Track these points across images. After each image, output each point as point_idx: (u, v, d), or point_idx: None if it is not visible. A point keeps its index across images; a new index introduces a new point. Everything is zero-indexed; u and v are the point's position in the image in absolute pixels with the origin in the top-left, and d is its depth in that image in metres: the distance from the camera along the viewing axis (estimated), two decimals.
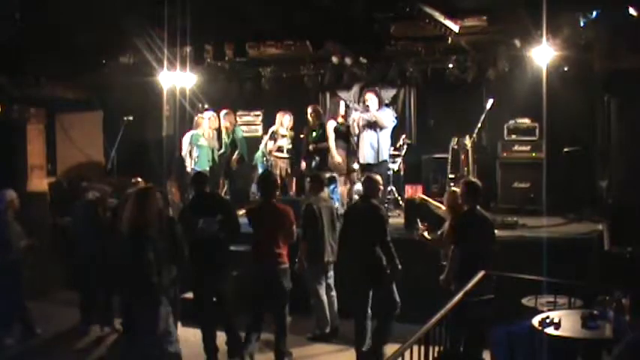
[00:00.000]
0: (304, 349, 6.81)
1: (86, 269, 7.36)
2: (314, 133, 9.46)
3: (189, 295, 6.89)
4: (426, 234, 6.39)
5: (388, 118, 8.66)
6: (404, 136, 9.69)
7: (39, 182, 10.97)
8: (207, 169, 9.73)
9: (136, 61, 10.01)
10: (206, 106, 10.77)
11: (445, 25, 7.95)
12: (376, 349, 6.17)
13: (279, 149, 9.85)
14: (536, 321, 4.62)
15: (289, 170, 9.95)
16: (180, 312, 6.56)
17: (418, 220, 6.46)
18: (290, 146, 9.87)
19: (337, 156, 9.00)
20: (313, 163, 9.37)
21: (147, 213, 5.16)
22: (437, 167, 9.47)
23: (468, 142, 8.39)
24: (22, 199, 7.38)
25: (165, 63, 9.11)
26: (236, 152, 10.34)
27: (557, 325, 4.50)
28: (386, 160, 8.69)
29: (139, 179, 7.60)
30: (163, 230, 5.28)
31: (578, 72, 8.79)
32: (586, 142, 8.86)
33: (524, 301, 5.69)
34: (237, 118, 11.13)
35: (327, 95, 11.13)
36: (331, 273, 7.07)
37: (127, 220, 5.18)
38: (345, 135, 8.99)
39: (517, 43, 8.91)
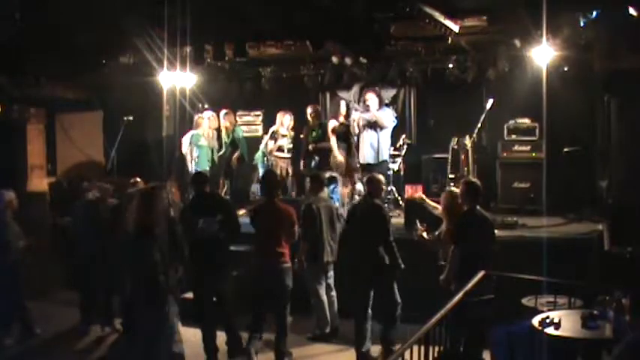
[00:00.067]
0: (304, 349, 6.81)
1: (86, 269, 7.36)
2: (313, 133, 9.46)
3: (189, 295, 6.89)
4: (424, 235, 6.39)
5: (388, 118, 8.67)
6: (404, 136, 9.69)
7: (39, 182, 10.98)
8: (207, 169, 9.73)
9: (136, 61, 10.01)
10: (206, 106, 10.77)
11: (445, 25, 7.95)
12: (387, 354, 6.15)
13: (280, 149, 9.85)
14: (536, 321, 4.62)
15: (289, 170, 9.95)
16: (180, 312, 6.55)
17: (417, 221, 6.46)
18: (290, 146, 9.87)
19: (339, 155, 9.00)
20: (313, 163, 9.37)
21: (153, 213, 5.19)
22: (437, 167, 9.46)
23: (468, 142, 8.39)
24: (22, 199, 7.38)
25: (165, 63, 9.12)
26: (237, 152, 10.34)
27: (557, 325, 4.50)
28: (386, 160, 8.70)
29: (138, 179, 7.60)
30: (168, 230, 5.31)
31: (578, 72, 8.80)
32: (586, 142, 8.86)
33: (524, 301, 5.70)
34: (237, 118, 11.12)
35: (327, 95, 11.13)
36: (331, 273, 7.07)
37: (134, 220, 5.20)
38: (345, 135, 8.98)
39: (517, 43, 8.91)
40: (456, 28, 8.14)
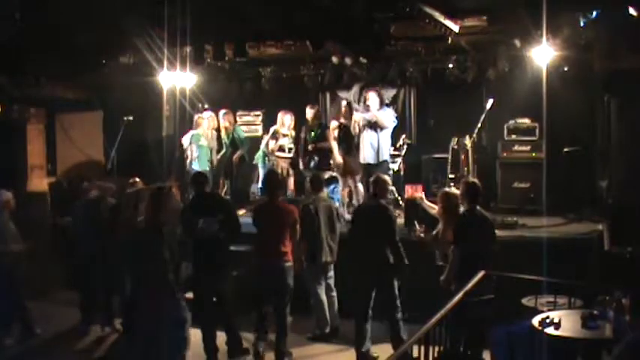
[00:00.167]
0: (304, 349, 6.81)
1: (86, 269, 7.36)
2: (312, 133, 9.46)
3: (189, 295, 6.89)
4: (422, 235, 6.40)
5: (389, 118, 8.65)
6: (404, 136, 9.69)
7: (39, 182, 10.98)
8: (207, 169, 9.74)
9: (136, 61, 10.01)
10: (206, 106, 10.78)
11: (445, 25, 7.95)
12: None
13: (281, 149, 9.85)
14: (536, 321, 4.62)
15: (290, 170, 9.95)
16: None
17: (416, 222, 6.47)
18: (291, 146, 9.87)
19: (338, 156, 9.00)
20: (312, 163, 9.37)
21: (163, 212, 5.23)
22: (437, 167, 9.47)
23: (468, 142, 8.39)
24: (22, 199, 7.39)
25: (165, 63, 9.12)
26: (238, 151, 10.34)
27: (557, 325, 4.50)
28: (386, 160, 8.68)
29: (137, 179, 7.60)
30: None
31: (578, 72, 8.80)
32: (586, 142, 8.86)
33: (524, 301, 5.70)
34: (238, 118, 11.13)
35: (327, 95, 11.14)
36: (331, 273, 7.07)
37: (144, 218, 5.24)
38: (345, 135, 8.97)
39: (517, 43, 8.91)
40: (456, 28, 8.14)
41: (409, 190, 9.50)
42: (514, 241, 7.13)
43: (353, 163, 8.82)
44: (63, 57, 9.18)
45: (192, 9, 7.46)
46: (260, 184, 10.01)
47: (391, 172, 9.11)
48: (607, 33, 7.56)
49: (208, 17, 7.94)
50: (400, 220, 8.10)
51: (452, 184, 8.45)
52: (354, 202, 9.01)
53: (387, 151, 8.67)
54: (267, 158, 10.11)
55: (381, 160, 8.52)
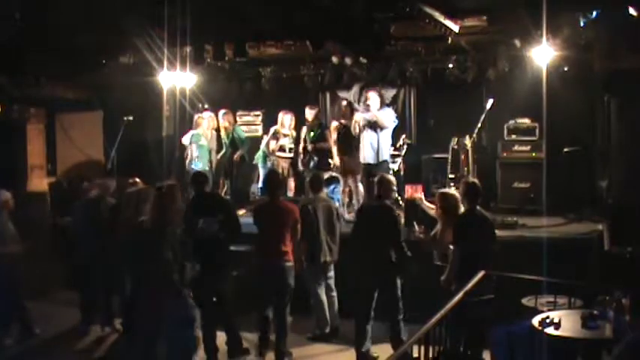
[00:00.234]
0: (304, 349, 6.81)
1: (86, 269, 7.36)
2: (312, 133, 9.46)
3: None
4: (422, 236, 6.41)
5: (389, 117, 8.64)
6: (404, 136, 9.69)
7: (39, 182, 10.98)
8: (207, 169, 9.74)
9: (136, 61, 10.01)
10: (206, 106, 10.78)
11: (445, 25, 7.95)
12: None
13: (282, 149, 9.86)
14: (536, 321, 4.62)
15: (291, 170, 9.95)
16: None
17: (414, 223, 6.47)
18: (292, 146, 9.88)
19: (337, 157, 9.02)
20: (312, 163, 9.38)
21: (168, 212, 5.24)
22: (437, 167, 9.47)
23: (468, 142, 8.39)
24: (22, 199, 7.38)
25: (165, 63, 9.12)
26: (239, 151, 10.34)
27: (557, 325, 4.50)
28: (386, 161, 8.67)
29: (137, 179, 7.60)
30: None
31: (578, 72, 8.80)
32: (586, 142, 8.86)
33: (524, 301, 5.69)
34: (238, 118, 11.14)
35: (327, 95, 11.14)
36: (331, 273, 7.06)
37: (149, 218, 5.25)
38: (345, 135, 8.97)
39: (517, 43, 8.92)
40: (456, 28, 8.14)
41: (409, 191, 9.50)
42: (514, 241, 7.12)
43: (352, 163, 8.82)
44: (63, 57, 9.18)
45: (192, 9, 7.47)
46: (260, 184, 10.02)
47: (391, 172, 9.09)
48: (607, 33, 7.56)
49: (208, 17, 7.95)
50: (400, 220, 8.13)
51: (452, 184, 8.46)
52: (354, 202, 9.01)
53: (387, 151, 8.67)
54: (267, 158, 10.12)
55: (381, 160, 8.51)
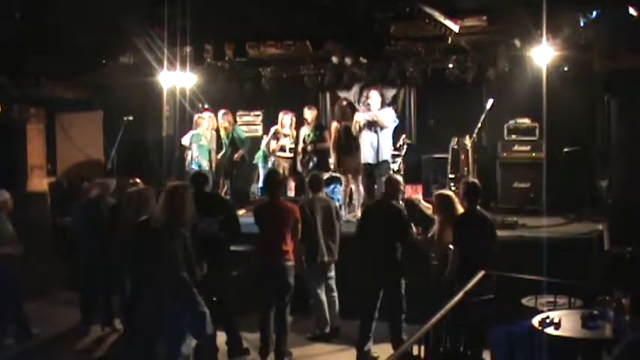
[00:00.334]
0: (304, 349, 6.81)
1: (86, 269, 7.36)
2: (311, 134, 9.47)
3: None
4: (420, 238, 6.42)
5: (389, 117, 8.64)
6: (404, 136, 9.69)
7: (39, 182, 10.97)
8: (207, 169, 9.74)
9: (136, 61, 10.01)
10: (206, 106, 10.78)
11: (445, 25, 7.95)
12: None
13: (282, 149, 9.87)
14: (536, 321, 4.62)
15: (291, 170, 9.96)
16: None
17: (412, 225, 6.47)
18: (292, 146, 9.88)
19: (333, 157, 9.04)
20: (311, 164, 9.38)
21: (179, 212, 5.25)
22: (437, 167, 9.46)
23: (468, 142, 8.39)
24: (22, 199, 7.37)
25: (165, 63, 9.11)
26: (239, 151, 10.34)
27: (557, 325, 4.50)
28: (387, 161, 8.66)
29: (137, 179, 7.60)
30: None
31: (578, 72, 8.80)
32: (586, 142, 8.86)
33: (524, 301, 5.69)
34: (238, 118, 11.15)
35: (327, 95, 11.14)
36: (332, 273, 7.05)
37: (160, 218, 5.26)
38: (345, 135, 8.96)
39: (517, 43, 8.91)
40: (456, 28, 8.14)
41: (409, 191, 9.51)
42: (514, 241, 7.12)
43: (353, 163, 8.82)
44: (63, 57, 9.18)
45: (192, 9, 7.46)
46: (260, 184, 10.02)
47: (391, 172, 9.10)
48: (607, 33, 7.55)
49: (208, 17, 7.94)
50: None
51: (452, 184, 8.46)
52: (354, 202, 9.01)
53: (387, 151, 8.66)
54: (267, 158, 10.12)
55: (381, 160, 8.51)
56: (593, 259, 6.72)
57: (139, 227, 5.63)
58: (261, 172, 10.13)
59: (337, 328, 7.02)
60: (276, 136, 9.91)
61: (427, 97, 10.51)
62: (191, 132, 10.07)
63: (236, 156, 10.32)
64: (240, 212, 8.57)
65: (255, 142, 10.63)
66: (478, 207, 5.92)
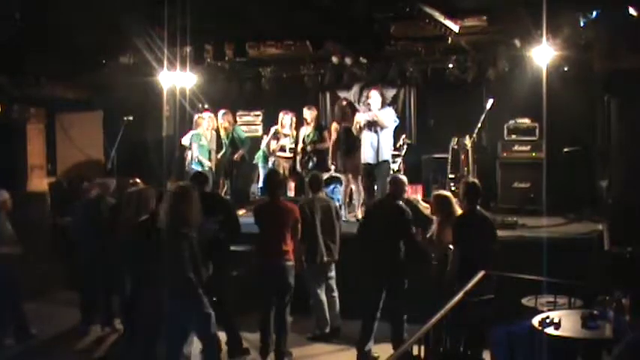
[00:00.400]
0: (304, 348, 6.81)
1: (86, 269, 7.36)
2: (311, 134, 9.47)
3: None
4: (419, 239, 6.42)
5: (389, 117, 8.63)
6: (404, 136, 9.69)
7: (39, 182, 10.98)
8: (207, 169, 9.75)
9: (136, 61, 10.01)
10: (206, 106, 10.78)
11: (445, 25, 7.95)
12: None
13: (282, 149, 9.87)
14: (536, 321, 4.62)
15: (291, 170, 9.96)
16: None
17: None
18: (292, 146, 9.88)
19: (333, 158, 9.04)
20: (310, 164, 9.38)
21: (184, 212, 5.25)
22: (437, 167, 9.47)
23: (468, 142, 8.40)
24: (22, 199, 7.36)
25: (165, 63, 9.11)
26: (240, 151, 10.35)
27: (557, 325, 4.50)
28: (387, 161, 8.66)
29: (137, 179, 7.60)
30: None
31: (578, 72, 8.80)
32: (586, 142, 8.87)
33: (524, 301, 5.69)
34: (238, 118, 11.15)
35: (327, 95, 11.14)
36: (332, 273, 7.04)
37: (166, 219, 5.27)
38: (344, 135, 8.96)
39: (517, 43, 8.92)
40: (456, 28, 8.14)
41: (409, 191, 9.49)
42: (514, 241, 7.13)
43: (352, 163, 8.82)
44: (63, 57, 9.18)
45: (192, 9, 7.46)
46: (260, 184, 10.02)
47: (391, 172, 9.10)
48: (607, 33, 7.55)
49: (208, 17, 7.94)
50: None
51: (452, 184, 8.46)
52: (354, 202, 9.01)
53: (387, 151, 8.65)
54: (267, 158, 10.12)
55: (381, 160, 8.50)
56: (593, 259, 6.72)
57: (139, 227, 5.64)
58: (261, 172, 10.13)
59: (338, 328, 7.02)
60: (276, 136, 9.91)
61: (427, 97, 10.51)
62: (191, 132, 10.08)
63: (236, 156, 10.32)
64: (240, 212, 8.57)
65: (255, 142, 10.64)
66: (478, 207, 5.92)
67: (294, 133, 9.89)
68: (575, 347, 4.40)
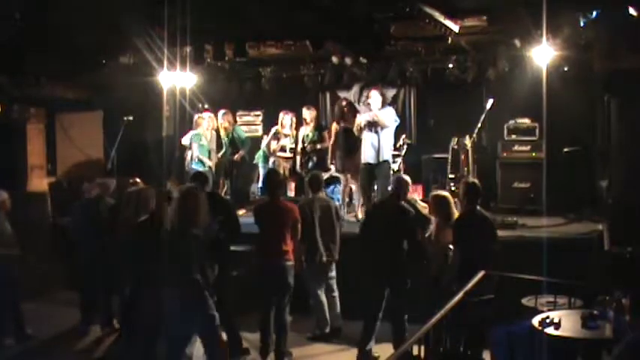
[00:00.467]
0: (304, 348, 6.81)
1: (86, 269, 7.36)
2: (310, 134, 9.47)
3: None
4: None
5: (390, 117, 8.62)
6: (404, 136, 9.69)
7: (39, 182, 10.97)
8: (208, 168, 9.75)
9: (136, 61, 10.01)
10: (206, 106, 10.78)
11: (445, 25, 7.95)
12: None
13: (283, 149, 9.87)
14: (536, 321, 4.62)
15: (292, 170, 9.96)
16: None
17: None
18: (293, 146, 9.88)
19: (333, 157, 9.04)
20: (310, 164, 9.38)
21: (193, 214, 5.26)
22: (437, 167, 9.47)
23: (468, 142, 8.39)
24: (22, 199, 7.36)
25: (166, 63, 9.11)
26: (240, 151, 10.34)
27: (557, 325, 4.50)
28: (387, 161, 8.65)
29: (137, 179, 7.60)
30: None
31: (578, 72, 8.80)
32: (586, 142, 8.87)
33: (524, 301, 5.69)
34: (238, 118, 11.15)
35: (327, 95, 11.14)
36: (332, 273, 7.04)
37: (174, 220, 5.29)
38: (344, 135, 8.96)
39: (517, 43, 8.92)
40: (456, 28, 8.14)
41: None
42: (514, 241, 7.13)
43: (351, 163, 8.81)
44: (63, 57, 9.17)
45: (192, 9, 7.45)
46: (260, 184, 10.02)
47: (391, 172, 9.10)
48: (607, 33, 7.55)
49: (208, 17, 7.93)
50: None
51: (452, 184, 8.46)
52: (354, 202, 9.01)
53: (388, 151, 8.64)
54: (267, 158, 10.12)
55: (381, 159, 8.48)
56: (593, 259, 6.72)
57: (138, 227, 5.64)
58: (262, 172, 10.13)
59: (339, 328, 7.01)
60: (276, 137, 9.91)
61: (427, 97, 10.51)
62: (191, 132, 10.08)
63: (236, 157, 10.32)
64: (240, 212, 8.57)
65: (255, 142, 10.64)
66: (478, 207, 5.92)
67: (295, 133, 9.88)
68: (575, 347, 4.40)
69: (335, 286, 7.06)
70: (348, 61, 10.12)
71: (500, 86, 9.40)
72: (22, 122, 10.91)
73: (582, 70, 8.62)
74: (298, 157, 9.70)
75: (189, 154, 10.03)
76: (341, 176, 9.12)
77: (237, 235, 6.46)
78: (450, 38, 8.70)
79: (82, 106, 11.52)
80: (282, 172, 9.34)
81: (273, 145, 9.91)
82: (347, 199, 9.17)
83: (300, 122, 9.85)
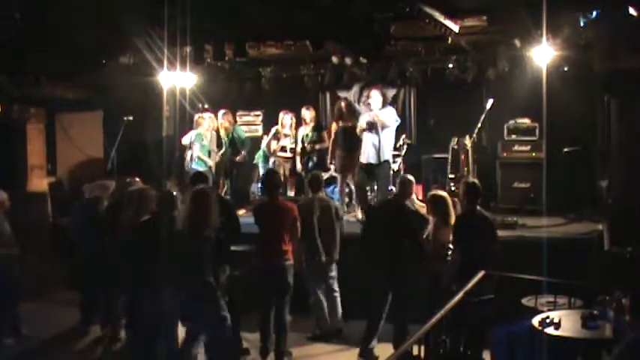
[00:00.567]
0: (304, 348, 6.81)
1: (86, 269, 7.35)
2: (310, 134, 9.46)
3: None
4: None
5: (391, 117, 8.63)
6: (404, 136, 9.68)
7: (39, 182, 10.96)
8: (207, 168, 9.75)
9: (136, 61, 10.01)
10: (206, 106, 10.78)
11: (445, 25, 7.95)
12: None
13: (283, 149, 9.87)
14: (536, 321, 4.62)
15: (292, 170, 9.96)
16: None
17: None
18: (293, 146, 9.88)
19: (332, 157, 9.04)
20: (310, 164, 9.37)
21: (204, 214, 5.27)
22: (437, 167, 9.46)
23: (468, 142, 8.39)
24: (22, 199, 7.36)
25: (166, 63, 9.10)
26: (241, 152, 10.34)
27: (557, 325, 4.50)
28: (388, 161, 8.66)
29: (137, 179, 7.60)
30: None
31: (578, 72, 8.80)
32: (586, 142, 8.86)
33: (524, 301, 5.70)
34: (238, 118, 11.15)
35: (327, 95, 11.14)
36: (333, 273, 7.04)
37: (185, 221, 5.30)
38: (344, 135, 8.96)
39: (517, 43, 8.91)
40: (456, 28, 8.14)
41: None
42: (514, 241, 7.13)
43: (349, 163, 8.81)
44: (63, 57, 9.17)
45: (192, 9, 7.45)
46: (260, 184, 10.02)
47: (391, 172, 9.10)
48: (607, 33, 7.55)
49: (208, 17, 7.93)
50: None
51: (452, 184, 8.46)
52: (354, 202, 9.00)
53: (389, 151, 8.65)
54: (267, 158, 10.12)
55: (382, 159, 8.49)
56: (593, 259, 6.73)
57: (140, 227, 5.64)
58: (261, 172, 10.12)
59: (340, 329, 7.00)
60: (276, 137, 9.91)
61: (427, 97, 10.51)
62: (193, 132, 10.08)
63: (238, 158, 10.33)
64: (240, 212, 8.57)
65: (255, 142, 10.63)
66: (478, 207, 5.92)
67: (295, 133, 9.88)
68: (575, 347, 4.40)
69: (336, 286, 7.06)
70: (348, 61, 10.11)
71: (500, 86, 9.39)
72: (22, 122, 10.90)
73: (582, 70, 8.62)
74: (298, 158, 9.70)
75: (189, 154, 10.04)
76: (338, 176, 9.10)
77: (238, 235, 6.46)
78: (450, 38, 8.70)
79: (82, 106, 11.51)
80: (282, 172, 9.34)
81: (274, 145, 9.91)
82: (347, 199, 9.16)
83: (300, 122, 9.85)
